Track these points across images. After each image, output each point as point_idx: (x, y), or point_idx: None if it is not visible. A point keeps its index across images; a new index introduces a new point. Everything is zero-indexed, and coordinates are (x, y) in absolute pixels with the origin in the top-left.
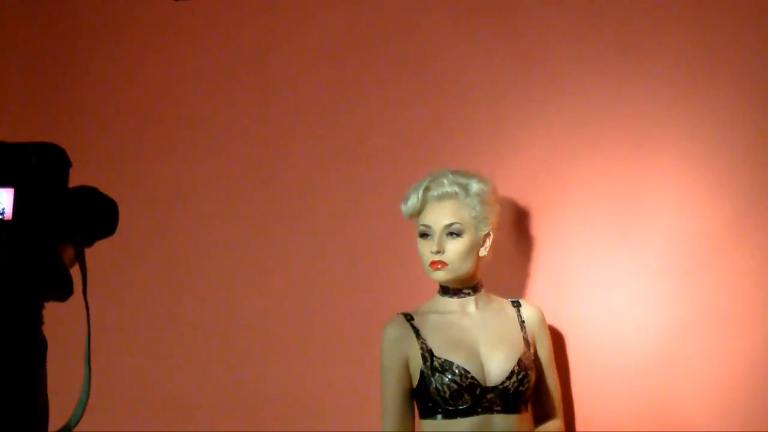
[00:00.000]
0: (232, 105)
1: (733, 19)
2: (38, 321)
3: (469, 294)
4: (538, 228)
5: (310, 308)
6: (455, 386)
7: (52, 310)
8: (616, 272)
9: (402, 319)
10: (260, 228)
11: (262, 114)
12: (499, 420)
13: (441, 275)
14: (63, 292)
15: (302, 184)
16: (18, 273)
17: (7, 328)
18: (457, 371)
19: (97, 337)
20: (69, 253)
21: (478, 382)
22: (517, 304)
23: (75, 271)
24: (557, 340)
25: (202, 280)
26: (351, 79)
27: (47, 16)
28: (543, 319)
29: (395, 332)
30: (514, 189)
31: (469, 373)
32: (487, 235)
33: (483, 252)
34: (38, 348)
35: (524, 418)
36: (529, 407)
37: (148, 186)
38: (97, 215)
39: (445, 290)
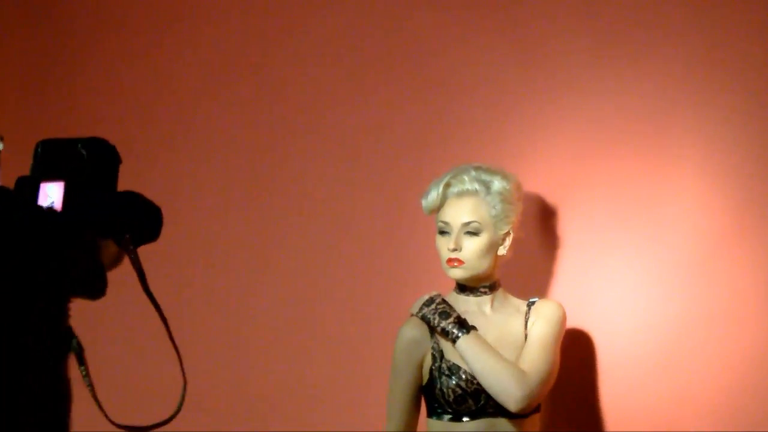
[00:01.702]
0: (231, 104)
1: (745, 19)
2: (63, 313)
3: (485, 293)
4: (547, 227)
5: (316, 307)
6: (460, 391)
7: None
8: (629, 270)
9: (418, 319)
10: (262, 227)
11: (262, 113)
12: (506, 423)
13: (457, 273)
14: (93, 290)
15: (304, 182)
16: (50, 263)
17: (30, 317)
18: (463, 376)
19: (97, 336)
20: (111, 250)
21: (483, 388)
22: (531, 304)
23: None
24: (575, 337)
25: (203, 279)
26: (353, 77)
27: (44, 12)
28: (551, 311)
29: (412, 332)
30: (527, 188)
31: (475, 379)
32: (507, 234)
33: (502, 251)
34: (60, 339)
35: (532, 421)
36: (540, 407)
37: (146, 185)
38: (144, 219)
39: (462, 288)
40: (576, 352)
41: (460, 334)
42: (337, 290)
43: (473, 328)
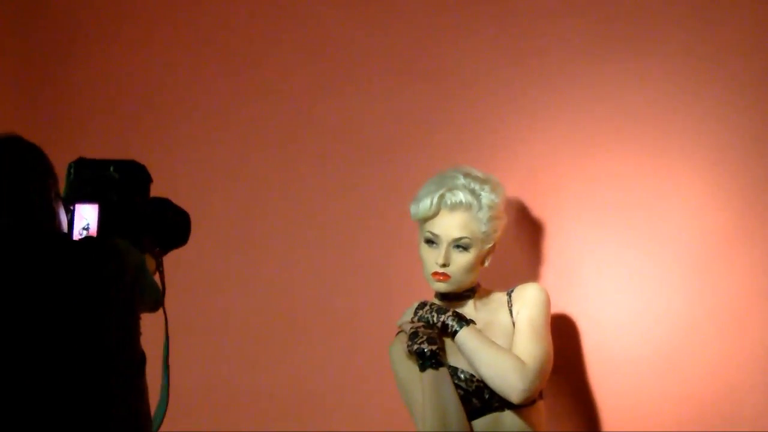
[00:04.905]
0: (229, 103)
1: (740, 15)
2: (137, 331)
3: (468, 297)
4: (541, 225)
5: (310, 308)
6: (461, 392)
7: None
8: (621, 269)
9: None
10: (259, 227)
11: (258, 112)
12: (512, 416)
13: (442, 287)
14: (155, 301)
15: (299, 180)
16: (120, 283)
17: (114, 339)
18: (462, 376)
19: None
20: (151, 265)
21: (484, 384)
22: (511, 292)
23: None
24: (575, 335)
25: (201, 280)
26: (346, 75)
27: (43, 9)
28: (533, 295)
29: (403, 346)
30: (516, 186)
31: (474, 377)
32: (492, 248)
33: (485, 264)
34: (139, 357)
35: (536, 409)
36: (542, 394)
37: None
38: (173, 225)
39: (444, 296)
40: (576, 350)
41: (458, 327)
42: (333, 290)
43: (471, 321)
